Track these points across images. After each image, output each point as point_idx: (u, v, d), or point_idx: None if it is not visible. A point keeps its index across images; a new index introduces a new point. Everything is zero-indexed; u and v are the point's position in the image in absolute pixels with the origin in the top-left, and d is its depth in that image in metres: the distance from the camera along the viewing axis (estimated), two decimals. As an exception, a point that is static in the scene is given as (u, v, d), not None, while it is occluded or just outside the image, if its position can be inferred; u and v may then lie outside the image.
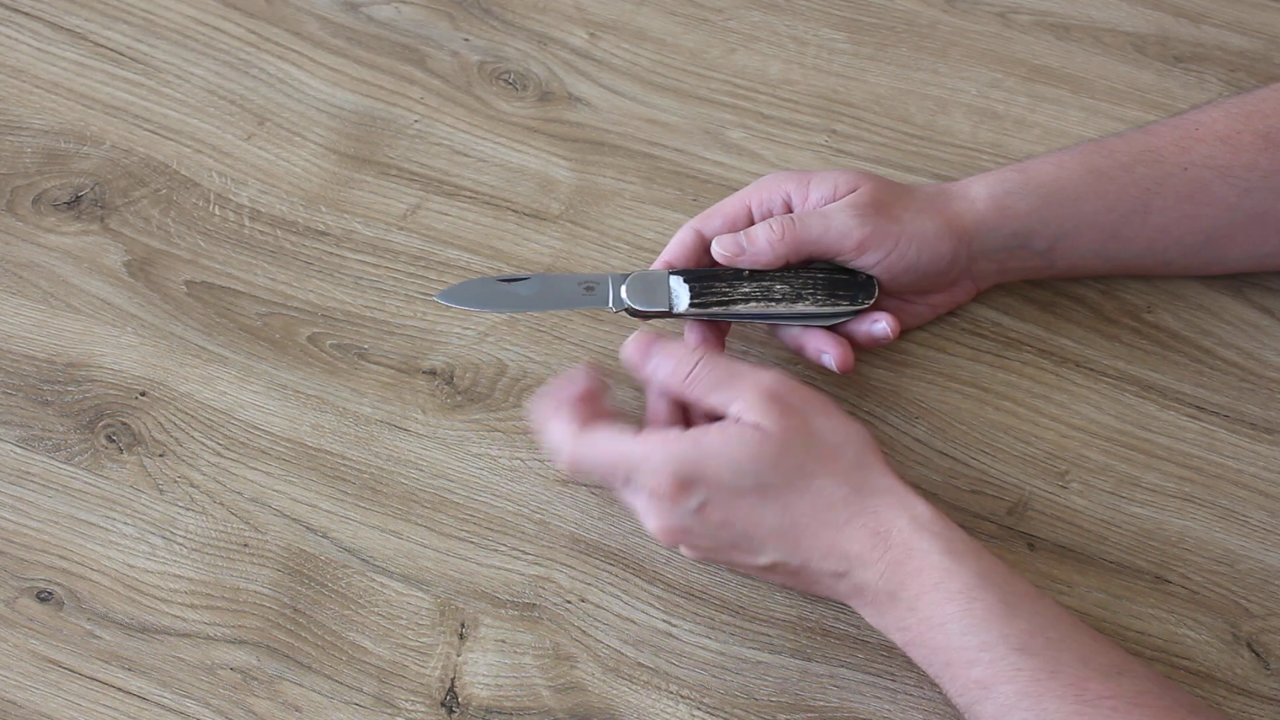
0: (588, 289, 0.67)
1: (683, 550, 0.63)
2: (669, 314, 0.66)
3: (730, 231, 0.68)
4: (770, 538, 0.60)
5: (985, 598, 0.56)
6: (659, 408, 0.64)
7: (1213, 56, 0.83)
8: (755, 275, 0.67)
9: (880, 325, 0.67)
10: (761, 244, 0.65)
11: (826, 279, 0.67)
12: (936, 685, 0.62)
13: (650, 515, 0.61)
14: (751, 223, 0.68)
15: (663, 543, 0.62)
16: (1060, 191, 0.68)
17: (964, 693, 0.56)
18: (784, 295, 0.66)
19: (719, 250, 0.66)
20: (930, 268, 0.67)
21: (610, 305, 0.67)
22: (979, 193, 0.68)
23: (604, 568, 0.66)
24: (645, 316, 0.67)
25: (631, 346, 0.63)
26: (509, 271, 0.74)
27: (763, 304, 0.66)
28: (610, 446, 0.60)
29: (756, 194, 0.68)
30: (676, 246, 0.68)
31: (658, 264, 0.68)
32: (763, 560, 0.60)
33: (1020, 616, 0.56)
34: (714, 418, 0.62)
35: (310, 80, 0.81)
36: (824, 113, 0.80)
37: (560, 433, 0.62)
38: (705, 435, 0.59)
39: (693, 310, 0.66)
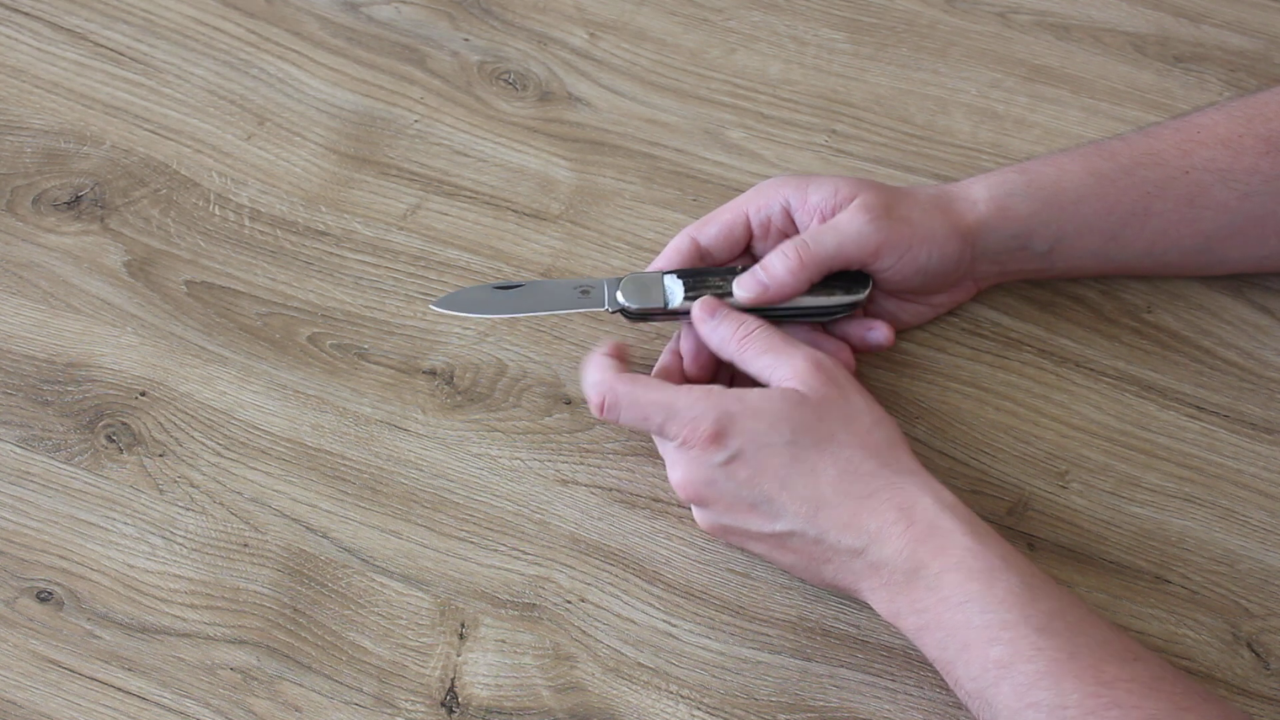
0: (583, 292, 0.68)
1: (696, 515, 0.64)
2: (664, 311, 0.66)
3: (727, 238, 0.68)
4: (792, 502, 0.60)
5: (1008, 578, 0.57)
6: (672, 362, 0.67)
7: (1213, 56, 0.83)
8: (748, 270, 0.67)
9: (875, 333, 0.68)
10: (780, 274, 0.65)
11: None
12: (937, 685, 0.63)
13: (677, 465, 0.62)
14: (750, 230, 0.68)
15: (682, 496, 0.63)
16: (1061, 194, 0.68)
17: (980, 675, 0.56)
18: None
19: (741, 294, 0.65)
20: (939, 269, 0.67)
21: (606, 306, 0.67)
22: (980, 194, 0.68)
23: (604, 568, 0.66)
24: (641, 317, 0.67)
25: (701, 303, 0.65)
26: (508, 272, 0.74)
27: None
28: (651, 392, 0.62)
29: (754, 201, 0.68)
30: (672, 253, 0.68)
31: (651, 269, 0.68)
32: (779, 527, 0.61)
33: (1041, 598, 0.57)
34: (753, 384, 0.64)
35: (310, 80, 0.81)
36: (824, 113, 0.80)
37: (601, 370, 0.64)
38: (749, 393, 0.61)
39: (688, 304, 0.66)
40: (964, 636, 0.57)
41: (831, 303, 0.67)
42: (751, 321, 0.64)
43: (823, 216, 0.67)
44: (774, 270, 0.65)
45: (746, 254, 0.69)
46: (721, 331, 0.64)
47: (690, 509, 0.65)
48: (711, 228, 0.68)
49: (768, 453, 0.60)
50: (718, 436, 0.60)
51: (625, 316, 0.67)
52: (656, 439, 0.65)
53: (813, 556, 0.61)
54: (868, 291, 0.67)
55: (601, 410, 0.63)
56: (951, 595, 0.57)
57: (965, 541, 0.58)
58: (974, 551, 0.57)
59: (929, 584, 0.58)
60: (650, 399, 0.62)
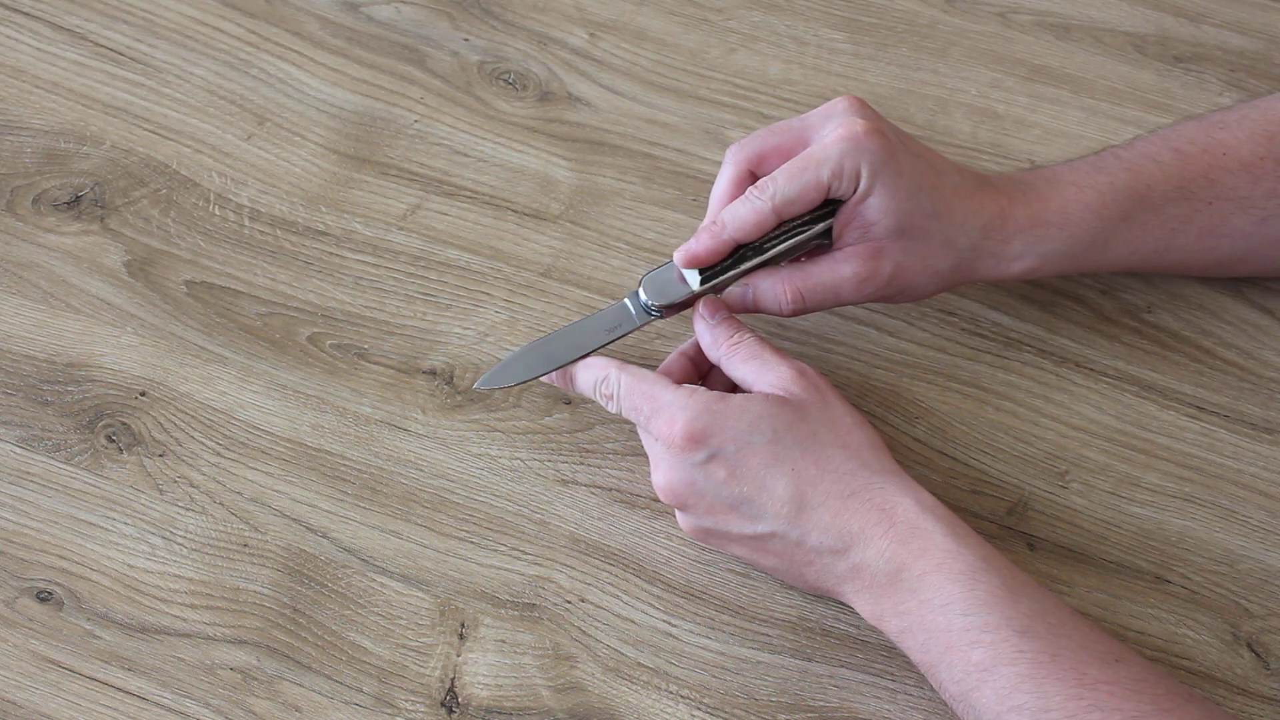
0: (610, 330, 0.67)
1: (679, 519, 0.64)
2: (694, 294, 0.66)
3: (801, 204, 0.65)
4: (772, 503, 0.60)
5: (988, 580, 0.57)
6: (677, 364, 0.66)
7: (1213, 56, 0.83)
8: (742, 246, 0.66)
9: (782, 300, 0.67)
10: (771, 308, 0.67)
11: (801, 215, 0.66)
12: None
13: (659, 466, 0.62)
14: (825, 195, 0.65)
15: (664, 499, 0.63)
16: (1093, 246, 0.68)
17: (962, 678, 0.56)
18: (775, 239, 0.66)
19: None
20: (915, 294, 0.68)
21: (638, 322, 0.66)
22: (1016, 253, 0.67)
23: (604, 568, 0.66)
24: (674, 310, 0.67)
25: (706, 301, 0.66)
26: (508, 272, 0.74)
27: (772, 248, 0.66)
28: (644, 384, 0.63)
29: (838, 165, 0.64)
30: (751, 222, 0.65)
31: (709, 219, 0.67)
32: (760, 528, 0.61)
33: (1022, 600, 0.57)
34: (735, 390, 0.64)
35: (310, 80, 0.81)
36: (824, 113, 0.80)
37: (606, 362, 0.64)
38: (732, 397, 0.61)
39: (705, 285, 0.65)
40: (945, 639, 0.57)
41: (824, 221, 0.66)
42: (745, 331, 0.65)
43: (860, 228, 0.65)
44: (761, 288, 0.66)
45: None
46: (716, 333, 0.65)
47: (674, 513, 0.65)
48: (795, 204, 0.65)
49: (748, 452, 0.60)
50: (697, 435, 0.60)
51: (661, 316, 0.67)
52: (643, 439, 0.64)
53: (794, 559, 0.61)
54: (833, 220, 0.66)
55: (609, 400, 0.64)
56: (933, 598, 0.57)
57: (946, 543, 0.58)
58: (954, 553, 0.57)
59: (910, 586, 0.58)
60: (641, 389, 0.63)
